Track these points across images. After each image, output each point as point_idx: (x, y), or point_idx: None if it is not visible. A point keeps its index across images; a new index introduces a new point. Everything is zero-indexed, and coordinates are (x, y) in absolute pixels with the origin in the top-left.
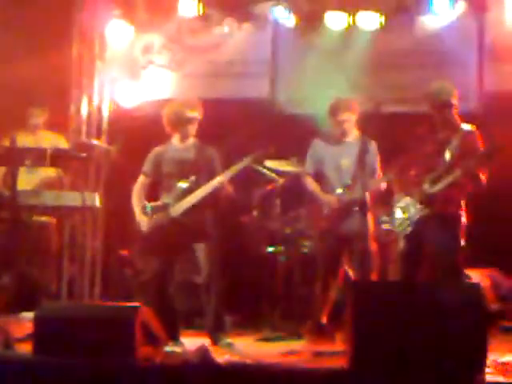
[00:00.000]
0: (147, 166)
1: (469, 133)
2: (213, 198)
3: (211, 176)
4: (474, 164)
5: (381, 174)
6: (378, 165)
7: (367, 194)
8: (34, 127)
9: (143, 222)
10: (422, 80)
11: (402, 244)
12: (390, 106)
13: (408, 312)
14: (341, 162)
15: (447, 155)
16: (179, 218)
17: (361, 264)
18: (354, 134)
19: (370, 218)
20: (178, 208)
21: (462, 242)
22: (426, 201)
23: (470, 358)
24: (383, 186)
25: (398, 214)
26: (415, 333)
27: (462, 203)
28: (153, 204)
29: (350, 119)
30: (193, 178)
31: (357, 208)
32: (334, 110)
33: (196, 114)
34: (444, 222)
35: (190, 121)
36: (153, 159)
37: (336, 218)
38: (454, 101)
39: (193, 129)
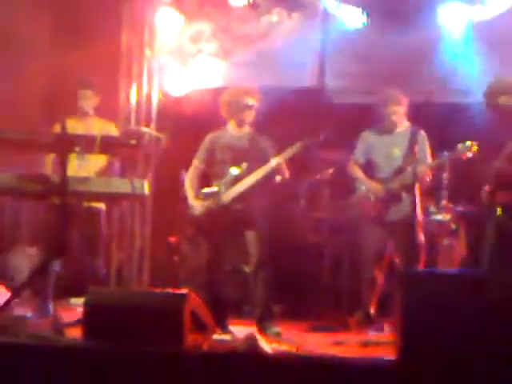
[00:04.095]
0: (201, 152)
1: None
2: (264, 185)
3: (263, 165)
4: None
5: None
6: (428, 154)
7: (417, 182)
8: (85, 114)
9: (196, 206)
10: (472, 70)
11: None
12: (439, 96)
13: (458, 303)
14: (392, 151)
15: None
16: (230, 204)
17: (408, 253)
18: (404, 125)
19: (418, 206)
20: (230, 194)
21: None
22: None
23: None
24: (430, 175)
25: None
26: (465, 324)
27: None
28: (205, 190)
29: (397, 111)
30: (244, 164)
31: (405, 194)
32: (383, 103)
33: (254, 102)
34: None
35: (247, 107)
36: (207, 145)
37: (384, 206)
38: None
39: (250, 116)
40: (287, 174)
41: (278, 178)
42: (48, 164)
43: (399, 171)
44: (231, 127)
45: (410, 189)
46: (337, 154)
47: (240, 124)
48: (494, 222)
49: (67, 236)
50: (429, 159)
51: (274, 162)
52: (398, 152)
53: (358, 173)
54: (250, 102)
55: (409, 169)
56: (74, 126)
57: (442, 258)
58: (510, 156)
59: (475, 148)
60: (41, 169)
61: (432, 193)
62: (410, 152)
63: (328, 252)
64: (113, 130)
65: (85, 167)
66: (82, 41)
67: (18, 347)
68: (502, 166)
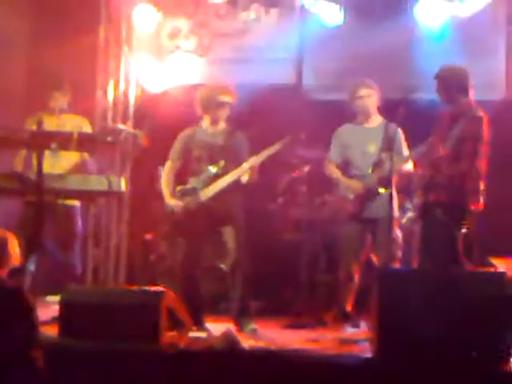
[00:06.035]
0: (176, 149)
1: (474, 118)
2: (240, 183)
3: (240, 162)
4: None
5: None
6: (405, 148)
7: (393, 177)
8: (59, 110)
9: (172, 204)
10: None
11: None
12: (415, 93)
13: (433, 300)
14: (367, 148)
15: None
16: (208, 202)
17: (385, 250)
18: (378, 119)
19: (395, 203)
20: (207, 192)
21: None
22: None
23: (495, 347)
24: (410, 167)
25: None
26: (441, 321)
27: (472, 190)
28: (181, 188)
29: (369, 95)
30: (222, 162)
31: (382, 191)
32: (354, 88)
33: (229, 99)
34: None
35: (221, 105)
36: (182, 142)
37: (361, 203)
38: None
39: (224, 113)
40: (256, 176)
41: (245, 179)
42: (18, 163)
43: (376, 167)
44: (206, 124)
45: (386, 184)
46: (314, 151)
47: (214, 121)
48: (430, 219)
49: (42, 233)
50: (406, 153)
51: (251, 160)
52: (373, 148)
53: (335, 172)
54: (225, 99)
55: (386, 164)
56: (48, 122)
57: (417, 255)
58: (434, 162)
59: None
60: (10, 167)
61: (407, 190)
62: (386, 147)
63: (305, 249)
64: (86, 127)
65: (57, 165)
66: (60, 37)
67: None
68: (422, 174)
